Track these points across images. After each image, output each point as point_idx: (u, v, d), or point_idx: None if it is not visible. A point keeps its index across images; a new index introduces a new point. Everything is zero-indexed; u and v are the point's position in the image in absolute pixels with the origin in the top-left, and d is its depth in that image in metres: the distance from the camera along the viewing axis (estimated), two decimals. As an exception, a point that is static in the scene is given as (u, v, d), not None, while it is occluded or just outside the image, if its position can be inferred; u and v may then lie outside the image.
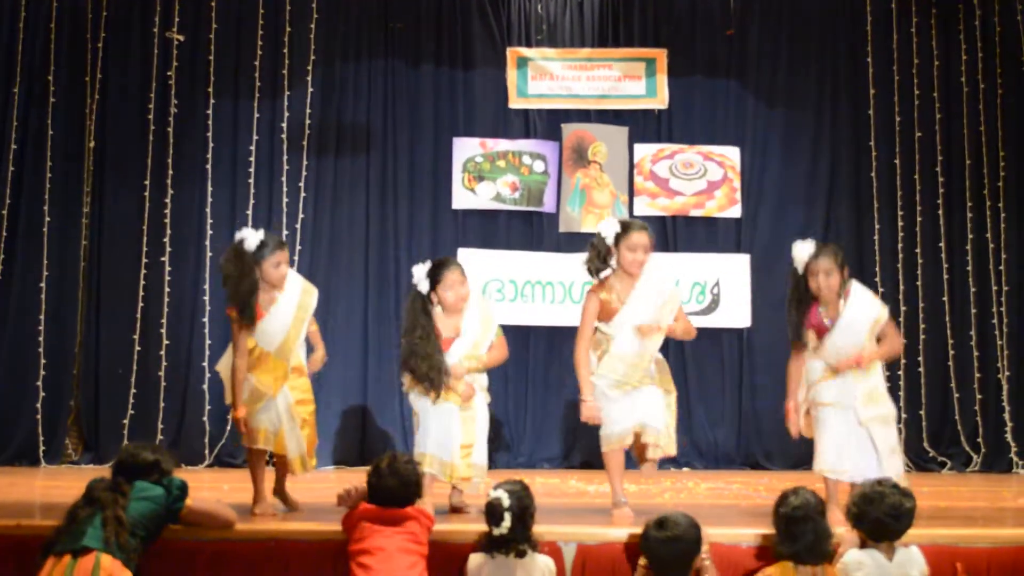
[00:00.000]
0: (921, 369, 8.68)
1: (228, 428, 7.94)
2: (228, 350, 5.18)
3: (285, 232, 8.33)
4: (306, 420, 5.14)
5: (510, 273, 8.54)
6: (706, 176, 8.83)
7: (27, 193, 8.27)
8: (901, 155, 8.87)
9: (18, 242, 8.24)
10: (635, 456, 5.27)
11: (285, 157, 8.56)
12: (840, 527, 4.19)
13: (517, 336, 8.62)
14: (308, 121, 8.61)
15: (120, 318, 8.29)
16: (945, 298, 8.74)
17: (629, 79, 8.87)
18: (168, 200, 8.41)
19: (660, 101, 8.88)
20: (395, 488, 4.07)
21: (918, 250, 8.74)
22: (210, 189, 8.46)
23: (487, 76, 8.83)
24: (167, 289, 8.36)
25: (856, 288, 5.13)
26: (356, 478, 4.26)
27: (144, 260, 8.35)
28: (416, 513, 4.08)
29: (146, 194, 8.39)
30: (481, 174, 8.72)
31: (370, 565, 3.93)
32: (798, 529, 3.96)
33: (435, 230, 8.65)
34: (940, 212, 8.82)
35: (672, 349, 8.36)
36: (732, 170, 8.84)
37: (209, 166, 8.49)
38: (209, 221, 8.40)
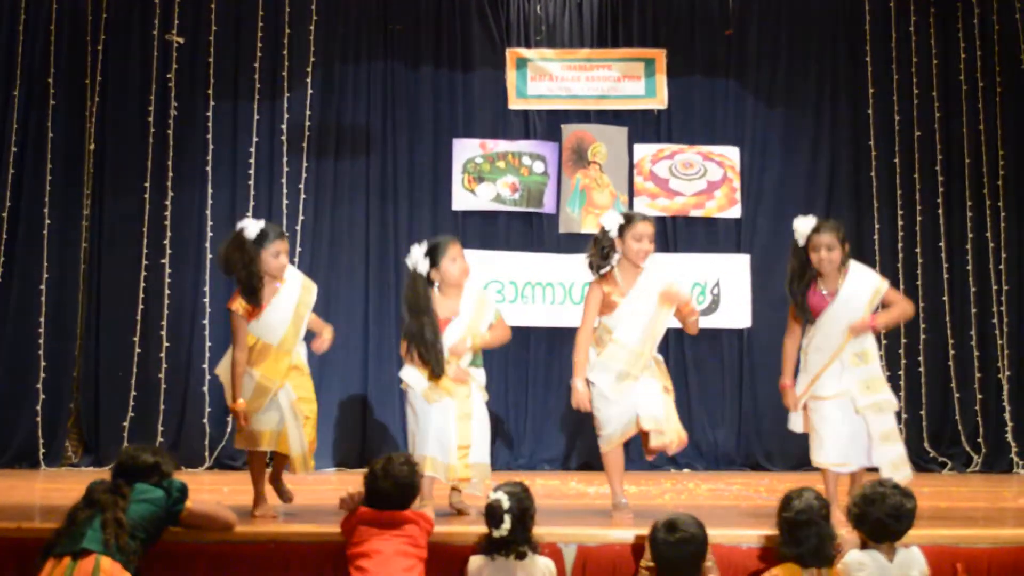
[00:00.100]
0: (921, 369, 8.67)
1: (228, 430, 7.94)
2: (227, 352, 5.19)
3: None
4: (308, 418, 5.13)
5: (510, 274, 8.54)
6: (706, 176, 8.83)
7: (27, 195, 8.27)
8: (900, 154, 8.86)
9: (18, 244, 8.24)
10: (644, 449, 5.29)
11: (285, 159, 8.56)
12: (841, 528, 4.19)
13: (517, 337, 8.58)
14: (308, 123, 8.61)
15: (120, 320, 8.29)
16: (945, 297, 8.74)
17: (628, 79, 8.87)
18: (168, 202, 8.41)
19: (659, 101, 8.88)
20: (390, 491, 4.06)
21: (918, 249, 8.74)
22: (210, 191, 8.46)
23: (486, 77, 8.83)
24: (167, 291, 8.36)
25: (855, 264, 5.19)
26: (357, 480, 4.25)
27: (144, 262, 8.35)
28: (415, 516, 4.07)
29: (146, 196, 8.39)
30: (481, 175, 8.72)
31: (367, 568, 3.93)
32: (802, 533, 3.95)
33: (435, 231, 8.60)
34: (940, 211, 8.82)
35: (672, 350, 8.38)
36: (732, 170, 8.84)
37: (209, 168, 8.49)
38: (209, 223, 8.40)
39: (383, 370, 8.33)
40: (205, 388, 8.26)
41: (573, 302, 8.48)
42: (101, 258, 8.38)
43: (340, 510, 4.19)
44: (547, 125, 8.86)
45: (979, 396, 8.67)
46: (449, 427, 5.07)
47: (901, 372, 8.44)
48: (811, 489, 4.08)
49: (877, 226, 8.73)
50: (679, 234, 8.80)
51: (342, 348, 8.26)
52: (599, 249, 5.23)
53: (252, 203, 8.43)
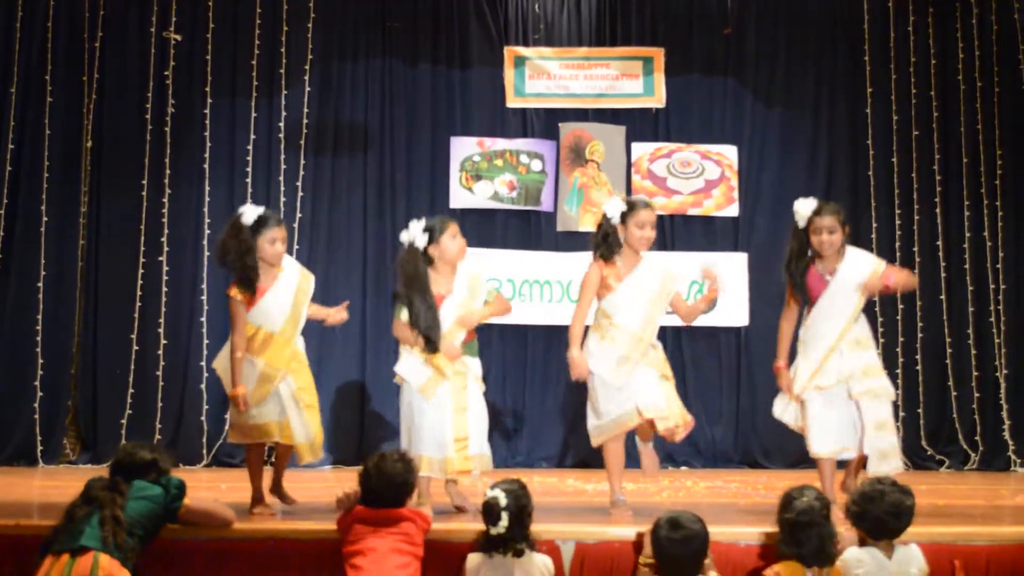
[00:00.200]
0: (919, 367, 8.69)
1: (226, 428, 7.93)
2: (224, 346, 5.18)
3: (283, 232, 8.33)
4: (311, 406, 5.11)
5: (508, 272, 8.54)
6: (704, 175, 8.83)
7: (24, 193, 8.27)
8: (898, 154, 8.88)
9: (15, 242, 8.23)
10: (638, 438, 5.28)
11: (283, 156, 8.56)
12: (839, 526, 4.18)
13: (515, 335, 8.64)
14: (306, 120, 8.61)
15: (118, 318, 8.29)
16: (943, 296, 8.75)
17: (626, 78, 8.88)
18: (166, 199, 8.41)
19: (657, 100, 8.88)
20: (383, 489, 4.04)
21: (916, 248, 8.75)
22: (207, 188, 8.46)
23: (484, 75, 8.84)
24: (165, 289, 8.36)
25: (851, 248, 5.24)
26: (353, 477, 4.24)
27: (142, 260, 8.35)
28: (411, 514, 4.06)
29: (144, 194, 8.39)
30: (479, 173, 8.72)
31: (362, 566, 3.92)
32: (803, 534, 3.94)
33: (433, 230, 8.64)
34: (938, 210, 8.83)
35: (669, 348, 8.34)
36: (729, 169, 8.84)
37: (207, 165, 8.49)
38: (207, 220, 8.40)
39: (380, 367, 8.32)
40: (203, 385, 8.26)
41: (571, 300, 8.48)
42: (99, 255, 8.38)
43: (337, 509, 4.18)
44: (545, 123, 8.86)
45: (976, 394, 8.68)
46: (445, 422, 5.04)
47: (899, 370, 8.45)
48: (812, 488, 4.06)
49: (875, 225, 8.75)
50: (677, 232, 8.80)
51: (339, 345, 8.29)
52: (603, 237, 5.23)
53: (250, 200, 8.37)
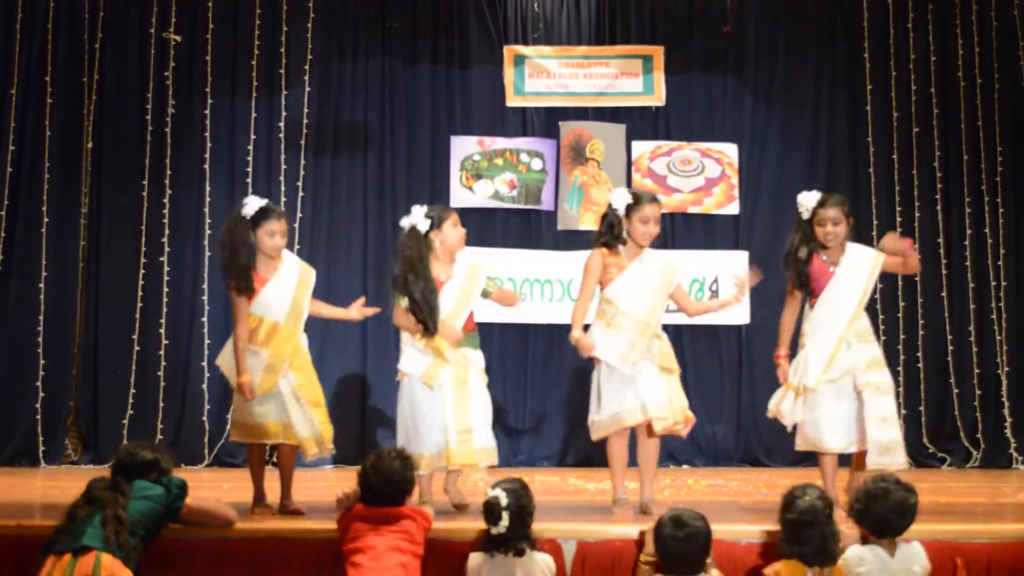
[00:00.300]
0: (920, 365, 8.69)
1: (227, 427, 7.93)
2: (227, 343, 5.17)
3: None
4: (313, 400, 5.09)
5: (508, 271, 8.53)
6: (704, 173, 8.83)
7: (25, 194, 8.27)
8: (899, 151, 8.87)
9: (16, 243, 8.24)
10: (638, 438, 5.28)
11: (283, 156, 8.56)
12: (841, 524, 4.18)
13: (516, 334, 8.64)
14: (306, 120, 8.61)
15: (119, 318, 8.29)
16: (944, 293, 8.75)
17: (626, 76, 8.87)
18: (166, 200, 8.42)
19: (657, 98, 8.88)
20: (382, 488, 4.03)
21: (916, 245, 8.67)
22: (208, 189, 8.46)
23: (484, 74, 8.84)
24: (166, 289, 8.37)
25: (852, 243, 5.29)
26: (354, 477, 4.24)
27: (143, 260, 8.35)
28: (412, 513, 4.05)
29: (144, 194, 8.39)
30: (479, 172, 8.72)
31: (361, 564, 3.91)
32: (805, 534, 3.93)
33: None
34: (938, 208, 8.83)
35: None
36: (730, 166, 8.84)
37: (207, 166, 8.49)
38: (207, 221, 8.40)
39: (381, 366, 8.32)
40: (204, 385, 8.27)
41: (571, 299, 8.47)
42: (99, 256, 8.38)
43: (337, 508, 4.18)
44: (545, 122, 8.86)
45: (978, 392, 8.68)
46: (447, 414, 5.01)
47: (900, 368, 8.45)
48: (814, 487, 4.04)
49: (875, 222, 8.73)
50: (677, 231, 8.80)
51: (340, 344, 8.28)
52: (608, 227, 5.23)
53: (250, 201, 8.42)
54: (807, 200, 5.22)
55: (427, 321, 5.07)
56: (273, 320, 5.07)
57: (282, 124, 8.58)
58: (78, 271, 8.35)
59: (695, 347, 8.61)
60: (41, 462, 8.03)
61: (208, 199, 8.45)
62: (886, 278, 8.67)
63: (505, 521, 3.95)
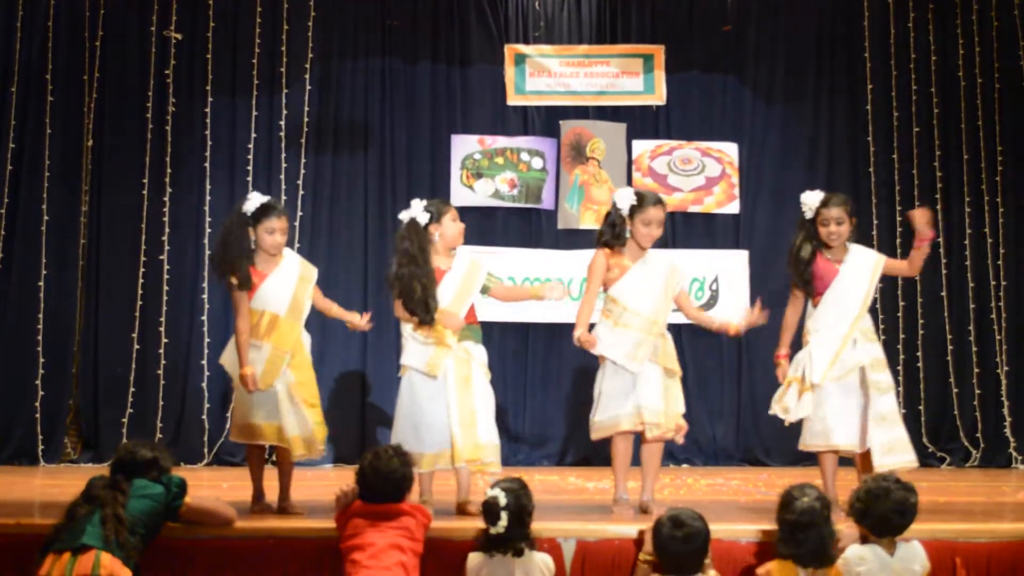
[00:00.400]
0: (920, 364, 8.69)
1: (227, 426, 7.93)
2: (230, 342, 5.17)
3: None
4: (307, 400, 5.08)
5: (509, 270, 8.52)
6: (704, 172, 8.83)
7: (25, 192, 8.27)
8: (899, 150, 8.87)
9: (16, 241, 8.23)
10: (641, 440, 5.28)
11: (283, 155, 8.56)
12: (840, 524, 4.17)
13: (516, 333, 8.64)
14: (306, 119, 8.61)
15: (119, 316, 8.29)
16: (944, 293, 8.74)
17: (627, 75, 8.87)
18: (166, 198, 8.41)
19: (658, 97, 8.88)
20: (381, 486, 4.03)
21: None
22: (208, 187, 8.46)
23: (485, 73, 8.84)
24: (166, 287, 8.37)
25: (854, 244, 5.31)
26: (354, 476, 4.24)
27: (143, 258, 8.35)
28: (412, 509, 4.05)
29: (144, 192, 8.39)
30: (479, 171, 8.72)
31: (360, 560, 3.91)
32: (802, 536, 3.93)
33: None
34: (938, 207, 8.81)
35: (671, 345, 8.38)
36: (730, 166, 8.84)
37: (207, 164, 8.49)
38: (207, 219, 8.40)
39: (381, 365, 8.33)
40: (204, 384, 8.27)
41: (572, 298, 8.47)
42: (100, 255, 8.39)
43: (336, 507, 4.17)
44: (546, 121, 8.86)
45: (978, 391, 8.68)
46: (451, 410, 5.00)
47: (900, 367, 8.44)
48: (813, 487, 4.04)
49: (875, 222, 8.74)
50: (677, 230, 8.80)
51: (340, 343, 8.28)
52: (610, 225, 5.23)
53: (250, 199, 8.42)
54: (810, 200, 5.23)
55: (418, 311, 5.06)
56: (274, 313, 5.07)
57: (282, 122, 8.58)
58: (78, 269, 8.35)
59: (695, 347, 8.61)
60: (40, 460, 8.02)
61: (208, 197, 8.45)
62: (886, 277, 8.69)
63: (504, 521, 3.94)
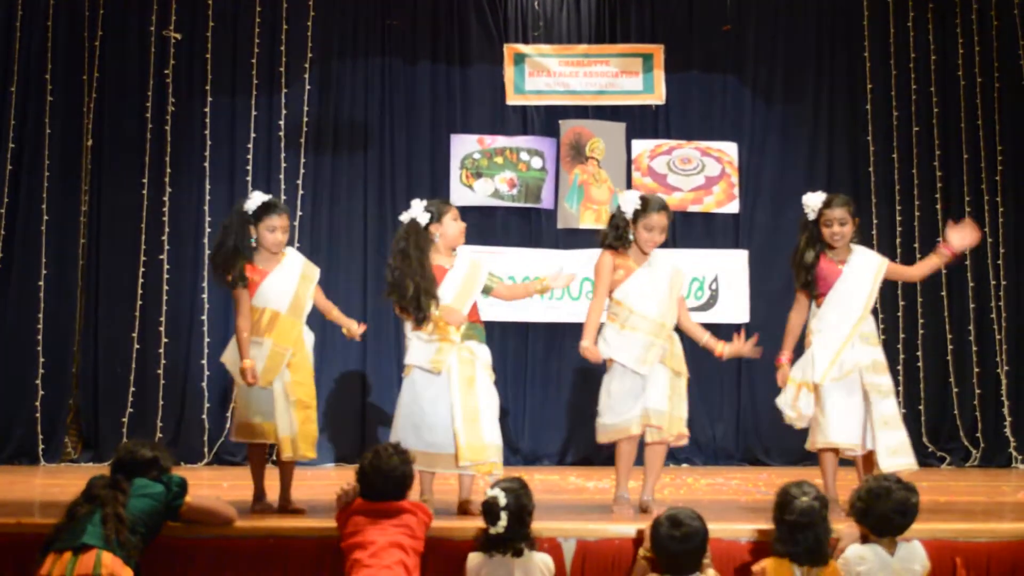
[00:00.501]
0: (920, 364, 8.69)
1: (227, 426, 7.93)
2: (231, 341, 5.17)
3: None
4: (302, 400, 5.06)
5: (508, 270, 8.51)
6: (704, 172, 8.83)
7: (25, 192, 8.27)
8: (899, 150, 8.87)
9: (16, 241, 8.23)
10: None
11: (283, 155, 8.56)
12: (839, 523, 4.18)
13: (516, 333, 8.64)
14: (306, 118, 8.61)
15: (119, 316, 8.29)
16: (944, 293, 8.74)
17: (626, 75, 8.87)
18: (166, 198, 8.41)
19: (657, 97, 8.88)
20: (381, 484, 4.04)
21: (916, 245, 8.73)
22: (208, 187, 8.46)
23: (484, 73, 8.84)
24: (165, 287, 8.36)
25: (857, 245, 5.32)
26: (355, 475, 4.24)
27: (142, 258, 8.35)
28: (412, 507, 4.05)
29: (144, 192, 8.39)
30: (479, 171, 8.72)
31: (361, 558, 3.91)
32: (800, 535, 3.93)
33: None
34: (938, 207, 8.82)
35: (671, 345, 8.38)
36: (730, 165, 8.84)
37: (207, 164, 8.49)
38: (207, 219, 8.40)
39: (382, 365, 8.34)
40: (204, 384, 8.27)
41: (572, 298, 8.49)
42: (99, 254, 8.38)
43: (336, 506, 4.17)
44: (545, 121, 8.86)
45: (978, 391, 8.68)
46: (455, 410, 4.99)
47: (900, 367, 8.44)
48: (811, 486, 4.03)
49: (875, 221, 8.73)
50: (677, 230, 8.77)
51: (340, 343, 8.26)
52: (614, 228, 5.23)
53: (250, 199, 8.42)
54: (813, 201, 5.23)
55: (411, 309, 5.06)
56: (275, 310, 5.07)
57: (282, 122, 8.58)
58: (78, 269, 8.35)
59: (695, 346, 8.56)
60: (41, 460, 8.02)
61: (208, 197, 8.44)
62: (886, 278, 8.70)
63: (504, 521, 3.94)
